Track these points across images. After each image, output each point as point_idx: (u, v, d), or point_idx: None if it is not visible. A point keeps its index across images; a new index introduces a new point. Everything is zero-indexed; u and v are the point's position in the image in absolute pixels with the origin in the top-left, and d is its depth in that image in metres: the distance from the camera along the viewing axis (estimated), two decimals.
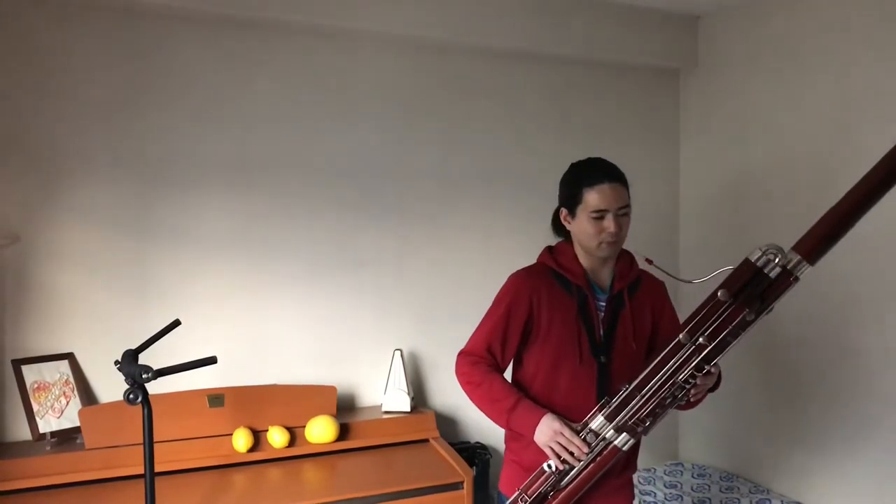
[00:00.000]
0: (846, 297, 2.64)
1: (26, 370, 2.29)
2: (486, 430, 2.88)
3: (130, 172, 2.47)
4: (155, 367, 1.73)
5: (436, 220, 2.92)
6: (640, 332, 1.76)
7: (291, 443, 2.41)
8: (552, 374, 1.72)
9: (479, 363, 1.74)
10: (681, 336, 1.53)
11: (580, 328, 1.71)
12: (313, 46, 2.70)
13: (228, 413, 2.39)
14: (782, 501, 2.80)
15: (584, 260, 1.76)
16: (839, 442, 2.68)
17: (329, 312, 2.76)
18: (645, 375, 1.57)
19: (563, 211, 1.77)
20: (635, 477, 3.09)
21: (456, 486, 2.25)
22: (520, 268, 1.82)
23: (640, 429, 1.58)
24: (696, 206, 3.34)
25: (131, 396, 1.73)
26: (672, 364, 1.55)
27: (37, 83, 2.34)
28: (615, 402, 1.60)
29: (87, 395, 2.41)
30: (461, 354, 1.79)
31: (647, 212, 3.34)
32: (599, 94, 3.23)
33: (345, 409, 2.72)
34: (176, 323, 2.03)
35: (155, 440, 1.81)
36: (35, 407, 2.28)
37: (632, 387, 1.58)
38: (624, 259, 1.80)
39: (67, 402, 2.34)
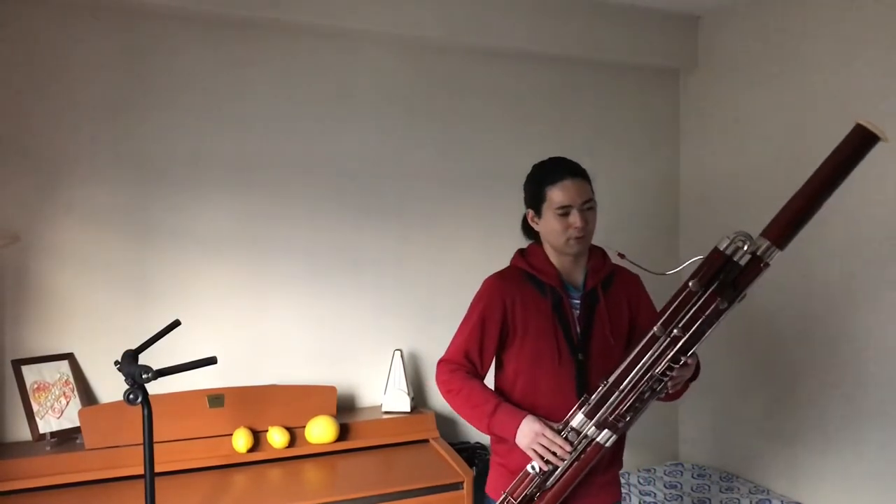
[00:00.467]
0: (845, 294, 2.64)
1: (26, 370, 2.29)
2: None
3: (130, 172, 2.47)
4: (155, 368, 1.73)
5: (436, 220, 2.93)
6: (617, 326, 1.76)
7: (291, 443, 2.41)
8: (532, 375, 1.73)
9: (457, 370, 1.74)
10: (655, 328, 1.54)
11: (556, 328, 1.72)
12: (313, 46, 2.70)
13: (228, 413, 2.39)
14: (782, 501, 2.80)
15: (555, 259, 1.77)
16: (839, 441, 2.68)
17: (329, 312, 2.76)
18: (622, 370, 1.57)
19: (530, 212, 1.79)
20: (635, 477, 3.11)
21: (456, 486, 2.25)
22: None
23: (620, 424, 1.58)
24: (696, 205, 3.34)
25: (131, 397, 1.73)
26: (648, 357, 1.55)
27: (37, 83, 2.34)
28: (594, 399, 1.60)
29: (87, 395, 2.41)
30: (440, 363, 1.80)
31: (647, 212, 3.35)
32: (599, 94, 3.23)
33: (345, 409, 2.72)
34: (176, 323, 2.03)
35: (155, 440, 1.81)
36: (35, 407, 2.28)
37: (610, 382, 1.58)
38: (596, 255, 1.81)
39: (67, 403, 2.33)
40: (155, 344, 1.96)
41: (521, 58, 3.03)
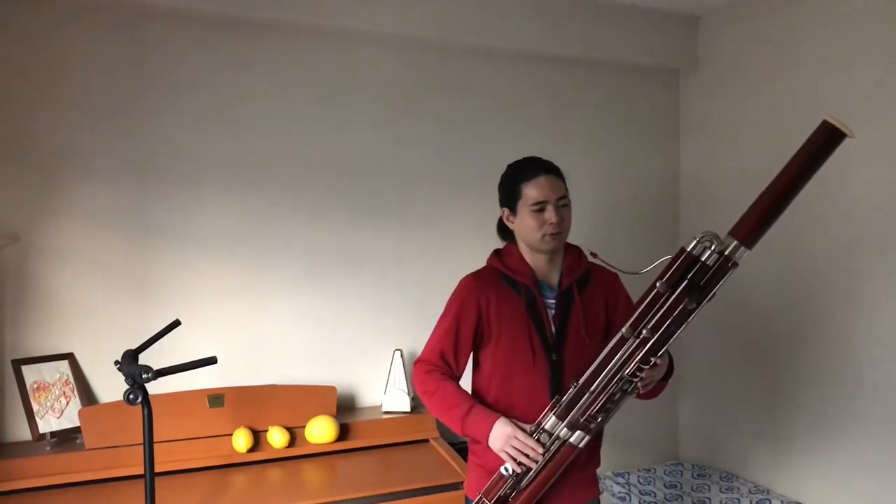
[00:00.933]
0: (845, 294, 2.64)
1: (26, 370, 2.30)
2: None
3: (131, 172, 2.47)
4: (155, 367, 1.73)
5: (435, 221, 2.93)
6: (592, 326, 1.76)
7: (291, 443, 2.41)
8: (506, 375, 1.73)
9: (432, 371, 1.75)
10: (623, 330, 1.54)
11: (530, 328, 1.72)
12: (313, 46, 2.70)
13: (228, 413, 2.39)
14: (782, 501, 2.80)
15: (530, 259, 1.77)
16: (839, 441, 2.68)
17: (329, 312, 2.76)
18: (592, 372, 1.57)
19: (505, 211, 1.79)
20: (635, 477, 3.11)
21: (456, 486, 2.25)
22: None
23: (592, 425, 1.58)
24: (696, 205, 3.33)
25: (131, 396, 1.73)
26: (618, 359, 1.55)
27: (37, 83, 2.34)
28: (565, 400, 1.60)
29: (87, 395, 2.41)
30: (416, 363, 1.80)
31: (647, 212, 3.35)
32: (599, 94, 3.23)
33: (345, 409, 2.72)
34: (176, 323, 2.03)
35: (155, 440, 1.81)
36: (35, 407, 2.28)
37: (580, 384, 1.58)
38: (571, 254, 1.81)
39: (67, 403, 2.34)
40: (155, 344, 1.95)
41: (521, 58, 3.03)
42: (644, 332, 1.52)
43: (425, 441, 2.59)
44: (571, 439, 1.59)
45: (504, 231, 1.85)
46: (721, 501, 2.87)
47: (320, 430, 2.43)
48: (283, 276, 2.68)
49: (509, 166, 1.82)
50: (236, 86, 2.59)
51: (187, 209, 2.54)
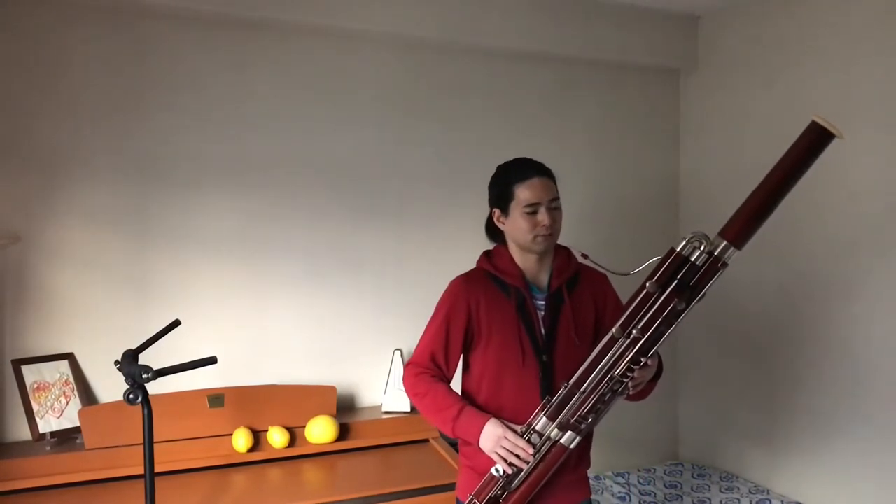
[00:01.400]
0: (845, 295, 2.64)
1: (26, 370, 2.30)
2: None
3: (131, 172, 2.47)
4: (155, 367, 1.73)
5: (435, 220, 2.92)
6: (582, 327, 1.76)
7: (291, 443, 2.41)
8: (497, 377, 1.73)
9: (423, 374, 1.75)
10: (613, 330, 1.54)
11: (520, 329, 1.72)
12: (313, 46, 2.70)
13: (228, 413, 2.39)
14: (782, 501, 2.80)
15: (520, 260, 1.77)
16: (839, 441, 2.68)
17: (329, 312, 2.76)
18: (582, 372, 1.57)
19: (496, 211, 1.79)
20: (635, 477, 3.11)
21: (455, 486, 2.25)
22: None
23: (582, 426, 1.58)
24: (696, 205, 3.33)
25: (131, 396, 1.73)
26: (608, 359, 1.55)
27: (37, 83, 2.34)
28: (555, 401, 1.60)
29: (87, 395, 2.41)
30: (407, 365, 1.80)
31: (647, 211, 3.35)
32: (599, 94, 3.22)
33: (345, 409, 2.72)
34: (176, 323, 2.03)
35: (155, 440, 1.81)
36: (35, 407, 2.28)
37: (570, 384, 1.58)
38: (561, 256, 1.81)
39: (67, 402, 2.34)
40: (155, 344, 1.96)
41: (521, 58, 3.03)
42: (634, 332, 1.53)
43: (425, 441, 2.59)
44: (562, 440, 1.59)
45: (493, 232, 1.85)
46: (721, 501, 2.87)
47: (320, 430, 2.43)
48: (283, 276, 2.68)
49: (500, 167, 1.82)
50: (236, 86, 2.59)
51: (187, 209, 2.54)
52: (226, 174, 2.59)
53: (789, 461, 2.88)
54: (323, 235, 2.74)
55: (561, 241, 1.81)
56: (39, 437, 2.26)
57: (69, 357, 2.39)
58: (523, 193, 1.70)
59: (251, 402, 2.43)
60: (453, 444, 2.61)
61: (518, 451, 1.60)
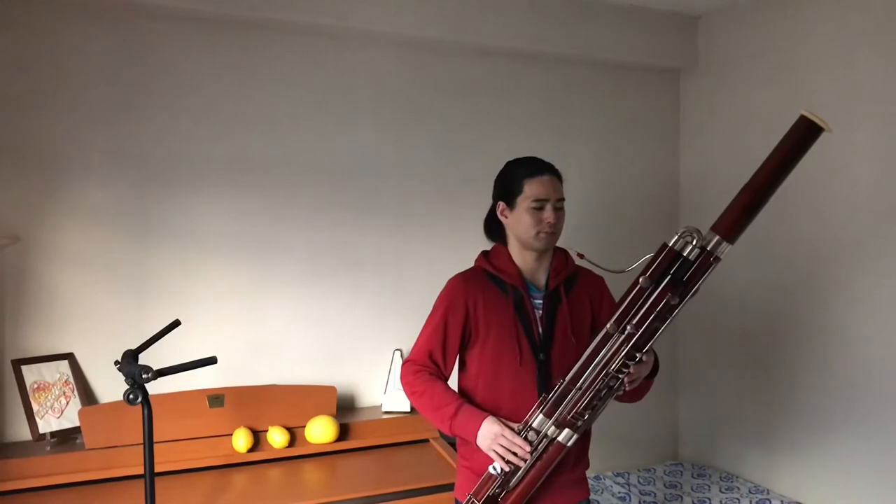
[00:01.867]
0: (845, 295, 2.64)
1: (26, 370, 2.30)
2: None
3: (131, 172, 2.47)
4: (155, 367, 1.73)
5: (435, 220, 2.92)
6: (579, 327, 1.77)
7: (291, 443, 2.41)
8: (494, 375, 1.73)
9: (421, 371, 1.75)
10: (608, 326, 1.55)
11: (518, 328, 1.72)
12: (313, 46, 2.70)
13: (228, 413, 2.39)
14: (782, 501, 2.80)
15: (518, 260, 1.78)
16: (839, 441, 2.68)
17: (329, 312, 2.76)
18: (578, 368, 1.58)
19: (501, 205, 1.79)
20: (635, 477, 3.11)
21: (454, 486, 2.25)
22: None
23: (579, 422, 1.58)
24: (696, 205, 3.34)
25: (131, 396, 1.72)
26: (603, 355, 1.56)
27: (37, 84, 2.34)
28: (551, 397, 1.60)
29: (87, 395, 2.41)
30: (405, 363, 1.81)
31: (647, 211, 3.35)
32: (599, 94, 3.23)
33: (345, 409, 2.72)
34: (176, 323, 2.03)
35: (155, 440, 1.81)
36: (35, 407, 2.28)
37: (566, 381, 1.59)
38: (559, 256, 1.82)
39: (67, 402, 2.34)
40: (155, 344, 1.96)
41: (521, 58, 3.03)
42: (628, 327, 1.53)
43: (425, 441, 2.59)
44: (559, 438, 1.59)
45: (491, 229, 1.85)
46: (721, 501, 2.87)
47: (320, 430, 2.43)
48: (283, 276, 2.68)
49: (510, 162, 1.83)
50: (236, 86, 2.59)
51: (187, 209, 2.54)
52: (226, 174, 2.59)
53: (789, 461, 2.88)
54: (323, 235, 2.74)
55: (560, 240, 1.81)
56: (39, 437, 2.26)
57: (69, 357, 2.39)
58: (532, 188, 1.71)
59: (251, 402, 2.43)
60: (453, 444, 2.61)
61: (515, 449, 1.60)
